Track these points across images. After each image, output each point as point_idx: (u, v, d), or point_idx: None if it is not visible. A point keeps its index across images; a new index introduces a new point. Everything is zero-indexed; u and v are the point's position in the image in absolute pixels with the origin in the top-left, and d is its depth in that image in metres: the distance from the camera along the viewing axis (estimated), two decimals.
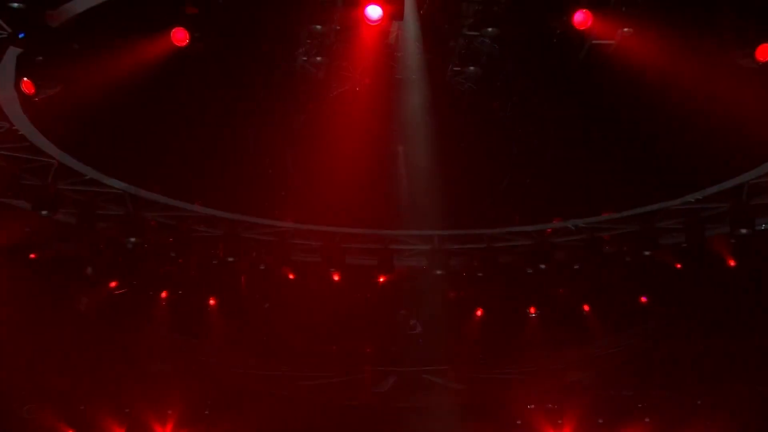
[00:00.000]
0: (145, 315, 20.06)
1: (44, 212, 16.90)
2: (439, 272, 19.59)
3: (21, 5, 11.95)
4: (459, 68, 17.09)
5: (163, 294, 20.04)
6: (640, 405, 21.76)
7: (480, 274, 20.02)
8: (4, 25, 12.44)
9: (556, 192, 18.46)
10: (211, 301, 20.25)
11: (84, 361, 20.61)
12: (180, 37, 11.72)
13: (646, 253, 18.83)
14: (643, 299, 19.26)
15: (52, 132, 15.55)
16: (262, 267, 19.52)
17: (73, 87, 13.34)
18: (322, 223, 18.93)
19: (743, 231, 17.69)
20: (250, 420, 21.42)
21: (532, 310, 20.74)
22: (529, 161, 18.32)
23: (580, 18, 12.07)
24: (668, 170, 17.26)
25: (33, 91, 12.58)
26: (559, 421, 22.21)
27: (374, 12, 11.92)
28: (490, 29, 15.71)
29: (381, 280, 20.37)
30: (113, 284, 18.75)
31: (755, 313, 19.34)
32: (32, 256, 18.78)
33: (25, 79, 12.53)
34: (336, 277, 20.24)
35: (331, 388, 21.65)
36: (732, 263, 19.01)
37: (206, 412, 22.01)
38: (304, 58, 16.59)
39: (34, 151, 16.09)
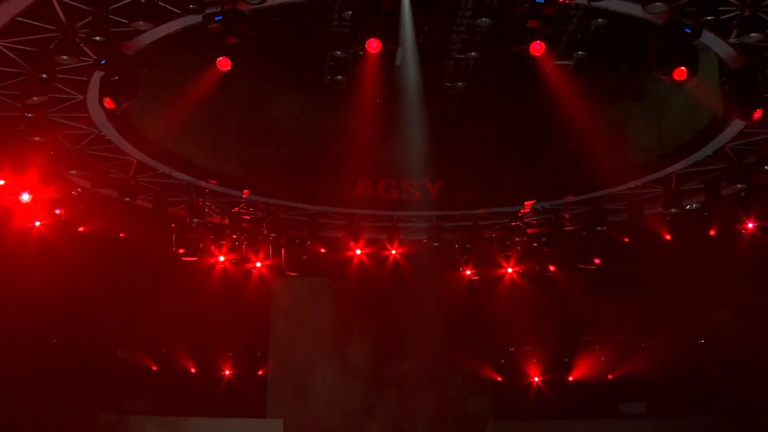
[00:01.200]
0: (207, 278, 20.04)
1: (127, 199, 17.01)
2: (436, 244, 19.57)
3: (102, 39, 12.01)
4: (450, 84, 17.16)
5: (220, 262, 19.98)
6: (597, 347, 21.66)
7: (468, 246, 19.99)
8: (91, 54, 12.54)
9: (528, 180, 18.50)
10: (258, 264, 20.12)
11: (164, 315, 20.65)
12: (224, 63, 11.67)
13: (598, 228, 18.82)
14: (597, 260, 19.12)
15: (131, 136, 15.65)
16: (297, 241, 19.45)
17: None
18: (344, 207, 18.86)
19: (673, 210, 17.68)
20: (288, 358, 21.41)
21: (511, 271, 20.61)
22: (507, 157, 18.37)
23: (536, 48, 11.93)
24: (613, 162, 17.30)
25: (113, 106, 12.61)
26: (534, 360, 22.17)
27: (374, 44, 11.81)
28: (473, 53, 15.75)
29: (393, 252, 20.34)
30: (181, 251, 18.71)
31: (685, 276, 19.22)
32: (122, 235, 18.78)
33: (106, 97, 12.55)
34: (358, 250, 20.24)
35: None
36: (667, 236, 18.92)
37: (258, 354, 21.92)
38: (329, 77, 16.66)
39: (118, 151, 16.14)
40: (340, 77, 16.59)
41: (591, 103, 17.15)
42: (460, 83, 17.17)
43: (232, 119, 17.26)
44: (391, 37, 12.00)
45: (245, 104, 17.30)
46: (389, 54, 15.55)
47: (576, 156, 17.13)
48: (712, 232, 18.56)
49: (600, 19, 14.82)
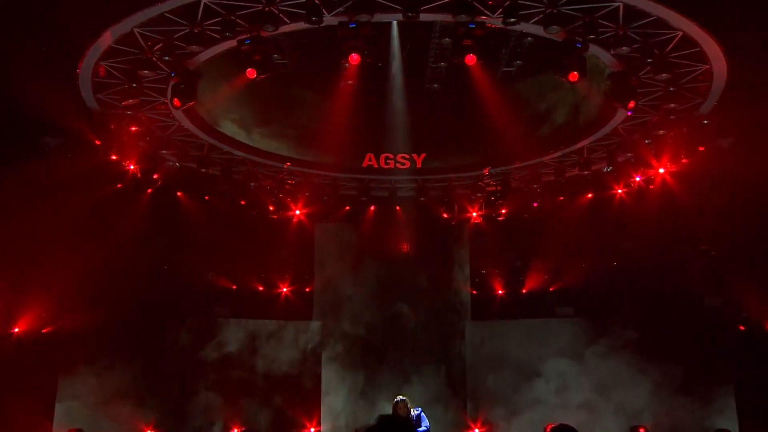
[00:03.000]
0: (265, 224, 20.25)
1: (203, 170, 17.37)
2: (422, 199, 19.74)
3: (170, 58, 12.32)
4: (429, 85, 17.26)
5: (271, 212, 20.14)
6: (541, 269, 21.48)
7: (445, 200, 20.01)
8: (165, 68, 12.86)
9: (486, 153, 18.60)
10: (297, 212, 20.27)
11: (238, 249, 20.66)
12: (251, 73, 11.98)
13: (534, 186, 18.91)
14: (535, 204, 19.25)
15: (202, 125, 15.94)
16: (324, 198, 19.68)
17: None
18: (357, 174, 19.08)
19: (586, 172, 17.73)
20: (326, 279, 21.61)
21: (475, 215, 20.65)
22: (470, 137, 18.45)
23: (469, 59, 12.06)
24: (544, 138, 17.41)
25: (179, 105, 12.92)
26: (498, 279, 22.09)
27: (354, 57, 12.00)
28: (443, 63, 15.82)
29: (398, 208, 20.55)
30: (243, 202, 19.00)
31: (601, 217, 19.30)
32: (206, 198, 19.09)
33: (174, 98, 12.86)
34: (372, 207, 20.48)
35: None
36: (589, 195, 18.99)
37: (306, 276, 21.95)
38: (343, 81, 16.78)
39: (194, 136, 16.42)
40: (350, 82, 16.71)
41: (526, 96, 17.34)
42: (435, 84, 17.30)
43: (275, 115, 17.49)
44: (366, 52, 12.19)
45: (285, 105, 17.51)
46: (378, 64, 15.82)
47: (519, 135, 17.18)
48: (618, 187, 18.69)
49: (529, 38, 14.88)
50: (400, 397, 13.63)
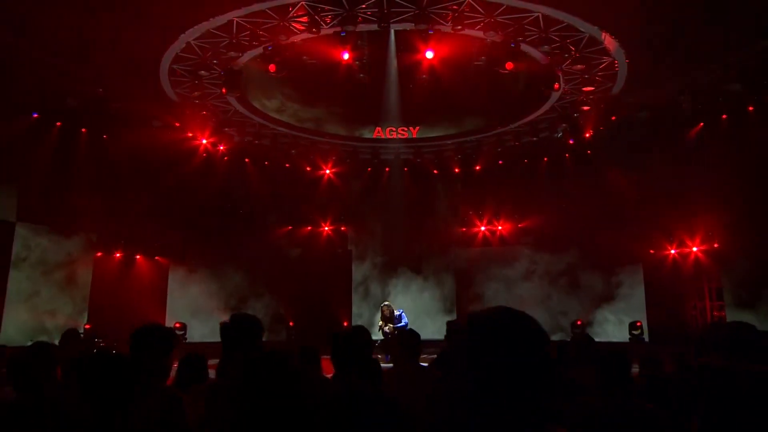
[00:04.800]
0: (305, 179, 20.44)
1: (256, 141, 17.72)
2: (418, 160, 19.73)
3: (217, 61, 12.59)
4: (419, 76, 16.99)
5: (308, 171, 20.39)
6: (512, 212, 21.39)
7: (436, 161, 20.01)
8: (217, 69, 13.15)
9: (459, 127, 18.46)
10: (327, 171, 20.35)
11: (293, 196, 20.73)
12: (272, 68, 12.20)
13: (498, 149, 18.74)
14: (501, 162, 19.17)
15: (251, 109, 16.21)
16: (347, 161, 19.80)
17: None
18: (370, 143, 19.11)
19: (535, 138, 17.53)
20: (357, 219, 21.80)
21: (458, 171, 20.57)
22: (451, 115, 18.28)
23: (430, 56, 12.10)
24: (500, 113, 17.15)
25: (225, 92, 13.21)
26: (479, 220, 22.01)
27: (345, 54, 12.16)
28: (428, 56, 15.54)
29: (405, 170, 20.57)
30: (287, 165, 19.28)
31: (553, 170, 19.04)
32: (266, 163, 19.46)
33: (224, 89, 13.21)
34: (387, 169, 20.45)
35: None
36: (545, 159, 18.70)
37: (342, 218, 22.16)
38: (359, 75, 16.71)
39: (247, 118, 16.64)
40: (362, 75, 16.66)
41: (490, 82, 16.94)
42: (424, 75, 17.08)
43: (308, 98, 17.55)
44: (355, 52, 12.26)
45: (314, 92, 17.46)
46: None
47: (485, 111, 17.01)
48: (564, 150, 18.43)
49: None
50: (385, 302, 14.09)
